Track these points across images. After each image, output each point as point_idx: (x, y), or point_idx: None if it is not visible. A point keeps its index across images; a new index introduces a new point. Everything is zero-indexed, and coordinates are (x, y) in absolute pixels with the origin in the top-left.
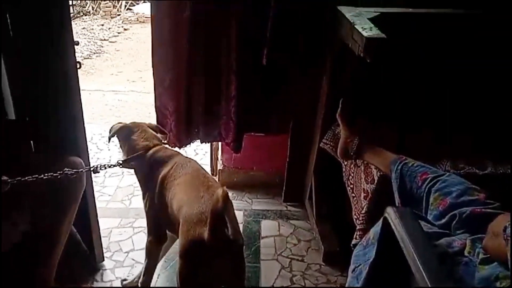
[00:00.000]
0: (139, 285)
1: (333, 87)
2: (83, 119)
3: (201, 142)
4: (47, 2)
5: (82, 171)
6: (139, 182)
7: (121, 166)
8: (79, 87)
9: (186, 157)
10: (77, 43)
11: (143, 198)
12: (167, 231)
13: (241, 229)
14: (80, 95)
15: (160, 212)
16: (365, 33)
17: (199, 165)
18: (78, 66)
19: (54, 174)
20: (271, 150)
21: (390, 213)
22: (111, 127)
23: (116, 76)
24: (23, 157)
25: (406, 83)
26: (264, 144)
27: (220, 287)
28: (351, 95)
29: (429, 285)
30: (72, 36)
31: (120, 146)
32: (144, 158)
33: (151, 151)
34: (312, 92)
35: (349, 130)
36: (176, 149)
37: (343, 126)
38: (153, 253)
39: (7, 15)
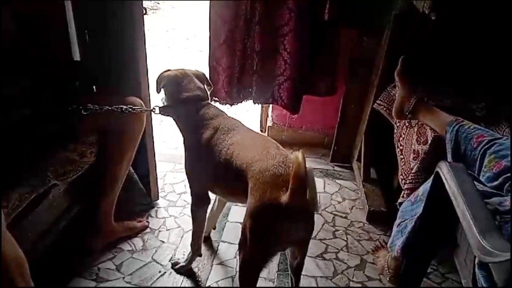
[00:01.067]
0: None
1: (392, 45)
2: (146, 63)
3: (254, 103)
4: None
5: (140, 109)
6: (182, 136)
7: (157, 113)
8: (144, 30)
9: (231, 117)
10: None
11: (185, 158)
12: (217, 196)
13: None
14: (144, 40)
15: (204, 174)
16: None
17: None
18: (144, 12)
19: (111, 107)
20: (322, 110)
21: (443, 167)
22: (159, 75)
23: (171, 33)
24: (88, 97)
25: (469, 46)
26: (315, 104)
27: (285, 249)
28: (411, 55)
29: (478, 237)
30: None
31: (165, 92)
32: (186, 111)
33: (194, 106)
34: (370, 51)
35: (406, 89)
36: (221, 106)
37: (401, 85)
38: (199, 216)
39: None
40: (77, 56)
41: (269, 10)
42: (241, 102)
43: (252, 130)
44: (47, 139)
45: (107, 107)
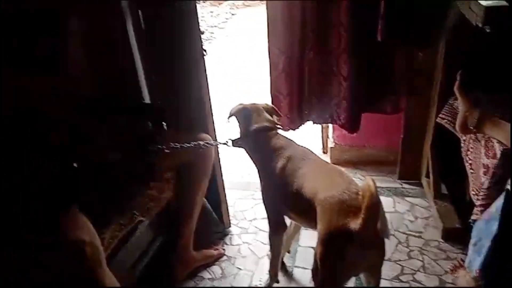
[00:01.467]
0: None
1: (449, 60)
2: (210, 100)
3: (314, 123)
4: None
5: (216, 143)
6: (256, 167)
7: (230, 145)
8: (206, 73)
9: (301, 145)
10: (203, 32)
11: (261, 184)
12: (292, 221)
13: None
14: (206, 80)
15: (280, 201)
16: (484, 3)
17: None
18: (204, 53)
19: (190, 144)
20: (384, 126)
21: None
22: (232, 109)
23: (227, 62)
24: (159, 135)
25: None
26: (376, 120)
27: (358, 274)
28: (468, 67)
29: None
30: (199, 25)
31: (239, 126)
32: (257, 142)
33: (265, 137)
34: (427, 66)
35: (468, 103)
36: (285, 132)
37: (462, 99)
38: (276, 242)
39: (139, 11)
40: (147, 98)
41: (322, 34)
42: (302, 125)
43: (320, 159)
44: (133, 180)
45: (187, 144)
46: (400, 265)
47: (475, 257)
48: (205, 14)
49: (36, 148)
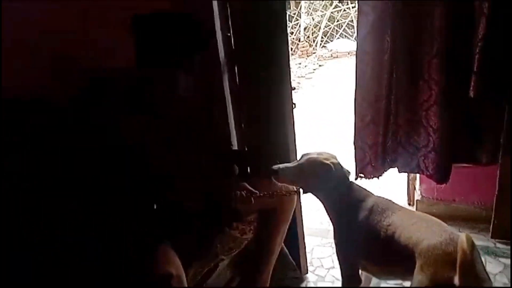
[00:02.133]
0: None
1: None
2: (295, 148)
3: (399, 172)
4: (271, 52)
5: (295, 192)
6: (330, 218)
7: (303, 193)
8: (294, 125)
9: (381, 197)
10: (294, 88)
11: (335, 237)
12: (364, 273)
13: None
14: (294, 133)
15: (358, 254)
16: None
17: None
18: (293, 106)
19: (279, 191)
20: (475, 180)
21: None
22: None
23: (312, 112)
24: (244, 180)
25: None
26: (468, 174)
27: None
28: None
29: None
30: (290, 80)
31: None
32: (335, 194)
33: (343, 188)
34: None
35: None
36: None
37: None
38: None
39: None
40: (235, 145)
41: (410, 90)
42: (384, 172)
43: (407, 209)
44: (217, 222)
45: (272, 192)
46: None
47: None
48: (293, 65)
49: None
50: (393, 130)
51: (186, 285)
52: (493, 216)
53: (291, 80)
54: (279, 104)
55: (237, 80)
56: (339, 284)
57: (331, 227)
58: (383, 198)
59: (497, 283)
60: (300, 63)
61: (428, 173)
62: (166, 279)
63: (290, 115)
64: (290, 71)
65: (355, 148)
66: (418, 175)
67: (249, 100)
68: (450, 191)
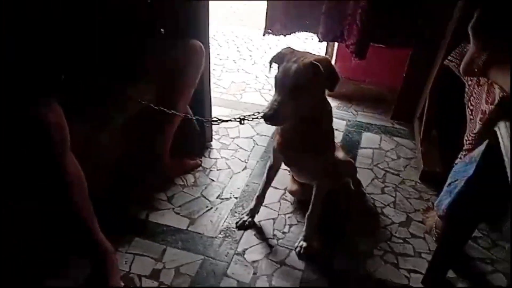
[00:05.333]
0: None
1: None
2: (208, 14)
3: (320, 41)
4: None
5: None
6: None
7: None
8: None
9: None
10: None
11: None
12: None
13: (340, 137)
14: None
15: None
16: None
17: None
18: None
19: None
20: (387, 64)
21: (501, 126)
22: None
23: None
24: (156, 40)
25: None
26: (380, 57)
27: None
28: (488, 6)
29: None
30: None
31: None
32: None
33: None
34: (445, 4)
35: (479, 44)
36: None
37: (474, 39)
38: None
39: None
40: None
41: None
42: (294, 33)
43: None
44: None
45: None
46: (373, 198)
47: (446, 196)
48: None
49: None
50: None
51: (68, 140)
52: (396, 99)
53: None
54: None
55: None
56: (242, 152)
57: (242, 99)
58: None
59: (387, 158)
60: None
61: (349, 43)
62: (43, 124)
63: None
64: None
65: (267, 3)
66: (334, 54)
67: None
68: (362, 72)
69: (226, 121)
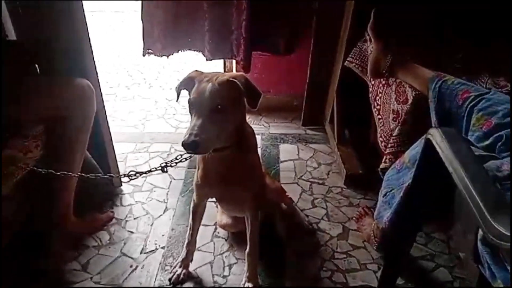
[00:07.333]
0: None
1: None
2: (89, 41)
3: (207, 60)
4: None
5: None
6: None
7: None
8: (82, 7)
9: None
10: None
11: None
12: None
13: (259, 153)
14: (85, 18)
15: None
16: None
17: None
18: None
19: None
20: (288, 71)
21: (435, 135)
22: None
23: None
24: (28, 79)
25: None
26: (281, 66)
27: None
28: (383, 6)
29: (489, 218)
30: None
31: None
32: None
33: None
34: (335, 7)
35: (381, 45)
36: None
37: (375, 40)
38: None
39: None
40: (12, 35)
41: None
42: (177, 52)
43: None
44: None
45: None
46: (306, 214)
47: (385, 208)
48: None
49: None
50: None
51: None
52: (303, 105)
53: None
54: None
55: None
56: (159, 191)
57: (146, 129)
58: None
59: (308, 168)
60: None
61: (239, 59)
62: None
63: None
64: None
65: (142, 23)
66: (234, 70)
67: None
68: (265, 83)
69: (146, 172)
